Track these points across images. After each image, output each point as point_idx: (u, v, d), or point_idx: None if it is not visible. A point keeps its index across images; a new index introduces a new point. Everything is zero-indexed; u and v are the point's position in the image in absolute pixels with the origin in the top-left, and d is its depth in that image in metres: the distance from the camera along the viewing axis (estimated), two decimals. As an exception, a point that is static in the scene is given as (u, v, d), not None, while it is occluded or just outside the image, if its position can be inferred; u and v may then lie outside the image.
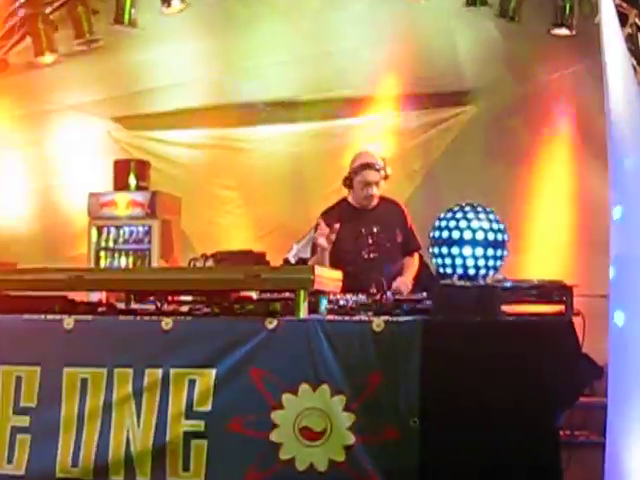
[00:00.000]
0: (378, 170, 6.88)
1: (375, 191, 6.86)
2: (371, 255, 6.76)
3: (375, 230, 6.78)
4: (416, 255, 6.92)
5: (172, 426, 5.00)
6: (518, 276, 5.85)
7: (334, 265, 6.36)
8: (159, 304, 5.81)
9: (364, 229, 6.81)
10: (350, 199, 7.05)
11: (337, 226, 6.36)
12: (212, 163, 11.37)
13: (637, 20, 10.09)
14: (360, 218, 6.90)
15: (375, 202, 6.91)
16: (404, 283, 6.35)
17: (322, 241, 6.42)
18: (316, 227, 6.68)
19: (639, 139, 5.23)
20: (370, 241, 6.76)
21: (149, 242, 10.11)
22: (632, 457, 4.77)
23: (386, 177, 6.96)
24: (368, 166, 6.88)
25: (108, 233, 10.23)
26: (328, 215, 6.89)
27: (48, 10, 11.48)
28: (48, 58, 11.49)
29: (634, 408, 4.84)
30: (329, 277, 5.43)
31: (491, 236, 5.10)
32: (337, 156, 10.63)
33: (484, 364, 4.79)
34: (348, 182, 7.01)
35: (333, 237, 6.40)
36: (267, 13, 11.06)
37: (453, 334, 4.93)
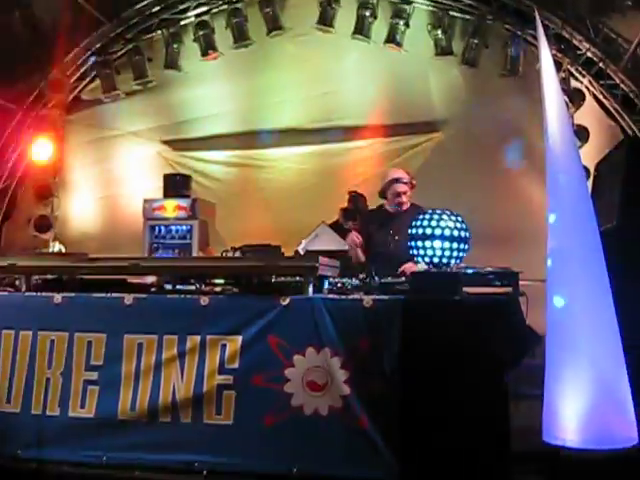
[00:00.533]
0: (405, 183, 6.97)
1: (404, 199, 6.96)
2: (391, 246, 6.80)
3: (401, 229, 6.79)
4: None
5: (208, 380, 5.01)
6: (477, 264, 5.83)
7: (371, 251, 6.87)
8: (198, 285, 5.82)
9: (392, 229, 6.85)
10: (386, 206, 7.15)
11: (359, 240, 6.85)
12: (239, 177, 11.35)
13: (568, 67, 10.08)
14: (392, 221, 6.97)
15: (405, 207, 6.97)
16: (409, 267, 6.36)
17: (351, 242, 6.78)
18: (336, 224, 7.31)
19: (570, 159, 5.24)
20: (396, 237, 6.77)
21: (190, 238, 10.09)
22: (565, 405, 4.78)
23: (412, 187, 7.04)
24: (397, 180, 6.98)
25: (159, 231, 10.20)
26: (369, 216, 7.45)
27: (112, 58, 11.53)
28: (113, 95, 11.56)
29: (566, 367, 4.85)
30: (330, 265, 5.43)
31: (455, 233, 5.10)
32: (335, 172, 10.76)
33: (450, 333, 4.80)
34: (382, 193, 7.14)
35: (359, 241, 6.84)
36: (281, 62, 11.22)
37: (425, 309, 4.94)
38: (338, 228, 8.00)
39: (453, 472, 4.59)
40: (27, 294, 5.63)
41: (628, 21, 9.30)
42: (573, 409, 4.75)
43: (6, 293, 5.73)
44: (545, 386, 4.98)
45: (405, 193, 6.97)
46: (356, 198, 8.12)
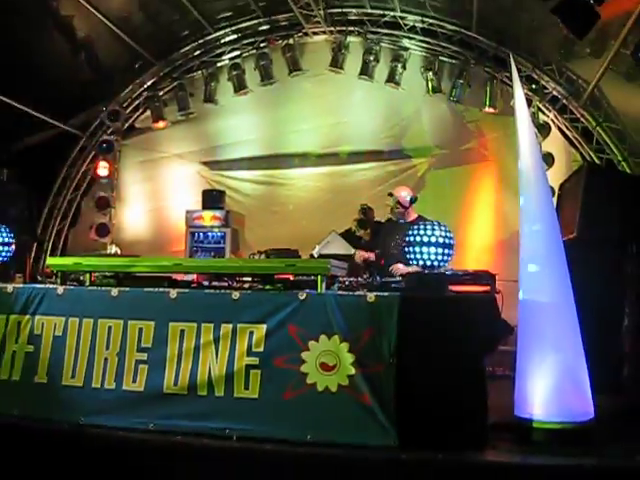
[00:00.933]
0: (392, 196, 7.03)
1: (402, 210, 6.96)
2: (393, 251, 6.77)
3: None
4: None
5: (238, 361, 4.98)
6: (460, 267, 5.82)
7: (382, 254, 6.91)
8: (230, 282, 5.82)
9: (397, 236, 6.77)
10: (394, 218, 7.14)
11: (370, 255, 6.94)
12: (264, 193, 11.34)
13: (537, 103, 10.07)
14: (397, 229, 6.92)
15: (411, 218, 6.94)
16: (397, 267, 6.35)
17: (359, 258, 6.89)
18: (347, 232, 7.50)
19: (538, 181, 5.23)
20: (399, 242, 6.68)
21: (224, 243, 10.11)
22: (533, 385, 4.77)
23: (413, 202, 6.99)
24: (390, 195, 7.06)
25: (198, 237, 10.22)
26: (381, 226, 7.49)
27: (161, 93, 11.59)
28: (161, 124, 11.64)
29: (534, 353, 4.85)
30: (339, 267, 5.43)
31: (441, 240, 5.08)
32: (343, 189, 10.77)
33: (437, 324, 4.79)
34: (392, 209, 7.13)
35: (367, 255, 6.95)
36: (300, 97, 11.27)
37: (418, 304, 4.92)
38: (349, 236, 8.02)
39: (441, 438, 4.56)
40: (90, 288, 5.64)
41: (587, 65, 9.28)
42: (540, 388, 4.76)
43: (72, 287, 5.74)
44: (516, 369, 4.98)
45: (396, 208, 6.99)
46: (366, 210, 8.12)
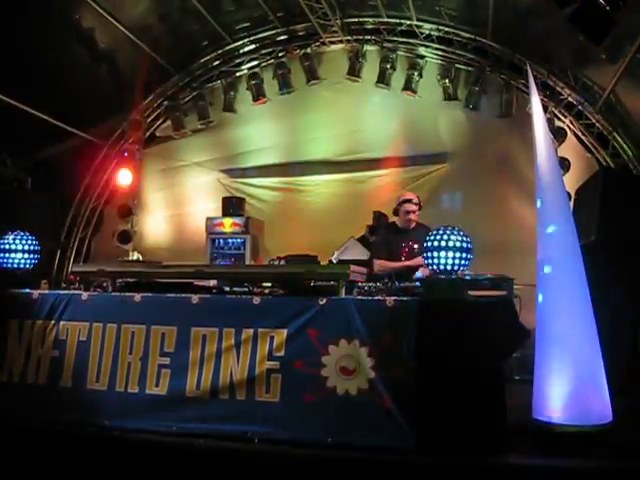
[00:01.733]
0: (415, 203, 6.94)
1: (412, 217, 6.93)
2: (402, 258, 6.78)
3: (410, 243, 6.84)
4: None
5: (259, 365, 5.01)
6: (479, 271, 5.81)
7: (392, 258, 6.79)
8: (251, 288, 5.83)
9: (404, 243, 6.85)
10: (397, 222, 7.12)
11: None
12: (283, 200, 11.35)
13: (553, 109, 10.04)
14: (403, 235, 6.95)
15: (413, 225, 6.94)
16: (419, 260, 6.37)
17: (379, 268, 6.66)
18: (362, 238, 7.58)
19: (556, 185, 5.22)
20: (407, 249, 6.80)
21: (244, 249, 10.12)
22: (551, 388, 4.75)
23: (420, 208, 6.99)
24: (408, 201, 6.96)
25: (218, 243, 10.25)
26: (385, 229, 7.38)
27: (181, 103, 11.67)
28: (181, 132, 11.67)
29: (552, 357, 4.83)
30: (359, 272, 5.43)
31: (459, 245, 5.05)
32: (361, 196, 10.72)
33: (456, 328, 4.77)
34: (395, 211, 7.12)
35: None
36: (317, 105, 11.26)
37: (437, 308, 4.91)
38: (364, 241, 8.03)
39: (460, 442, 4.56)
40: (113, 294, 5.68)
41: (602, 71, 9.24)
42: (558, 391, 4.74)
43: (96, 293, 5.78)
44: (535, 372, 4.96)
45: (414, 212, 6.94)
46: (379, 217, 8.12)
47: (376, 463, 4.58)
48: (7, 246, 6.10)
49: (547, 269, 5.04)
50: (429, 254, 5.08)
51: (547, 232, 5.11)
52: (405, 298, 5.03)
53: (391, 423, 4.69)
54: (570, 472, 4.39)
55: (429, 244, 5.09)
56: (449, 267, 5.04)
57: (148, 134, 12.03)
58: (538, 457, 4.64)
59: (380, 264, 6.71)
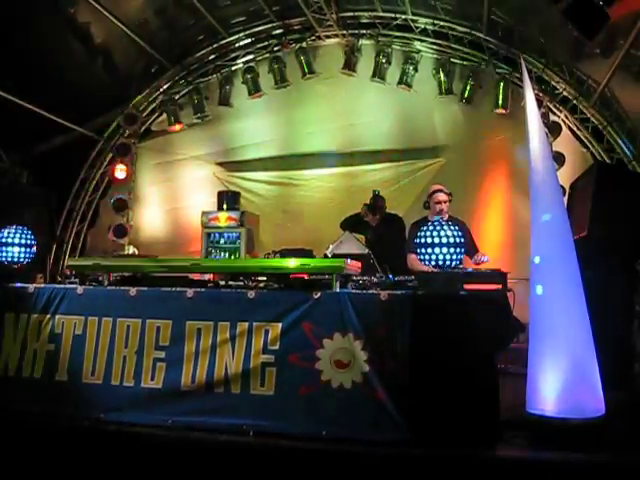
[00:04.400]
0: (445, 193, 6.83)
1: (443, 207, 6.77)
2: None
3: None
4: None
5: (253, 358, 5.03)
6: (472, 265, 5.83)
7: None
8: (246, 282, 5.84)
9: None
10: (429, 217, 6.83)
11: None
12: (279, 193, 11.38)
13: (548, 103, 10.05)
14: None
15: (446, 217, 6.62)
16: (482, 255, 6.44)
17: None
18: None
19: (549, 179, 5.23)
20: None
21: (239, 243, 10.09)
22: (544, 381, 4.77)
23: (450, 200, 6.85)
24: (438, 190, 6.86)
25: (214, 237, 10.21)
26: (417, 225, 6.72)
27: (176, 97, 11.65)
28: (177, 127, 11.70)
29: (545, 350, 4.84)
30: (353, 266, 5.44)
31: (452, 240, 5.05)
32: (357, 190, 10.65)
33: (450, 321, 4.80)
34: (427, 204, 6.96)
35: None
36: (313, 99, 11.28)
37: (431, 303, 4.93)
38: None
39: (453, 435, 4.58)
40: (108, 288, 5.69)
41: (597, 66, 9.26)
42: (551, 385, 4.75)
43: (91, 287, 5.79)
44: (528, 366, 4.97)
45: (445, 202, 6.79)
46: (377, 197, 8.03)
47: (370, 456, 4.60)
48: (3, 240, 6.11)
49: (539, 261, 5.05)
50: (424, 250, 5.08)
51: (540, 225, 5.12)
52: (399, 292, 5.05)
53: (385, 416, 4.72)
54: (562, 465, 4.42)
55: (421, 240, 5.10)
56: (443, 262, 5.05)
57: (144, 128, 12.02)
58: (530, 450, 4.67)
59: (413, 260, 6.35)
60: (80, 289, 5.61)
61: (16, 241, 6.14)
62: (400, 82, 10.63)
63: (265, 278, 5.79)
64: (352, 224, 7.82)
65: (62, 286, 5.81)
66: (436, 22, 10.60)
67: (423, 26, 10.71)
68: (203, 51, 11.66)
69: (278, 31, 11.38)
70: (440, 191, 6.87)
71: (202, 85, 11.72)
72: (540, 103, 9.47)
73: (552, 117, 10.11)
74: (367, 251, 6.51)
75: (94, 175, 11.99)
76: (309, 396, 4.90)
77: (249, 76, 11.30)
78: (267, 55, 11.39)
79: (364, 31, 10.99)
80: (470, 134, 10.57)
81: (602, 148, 9.94)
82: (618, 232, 6.57)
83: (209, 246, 10.21)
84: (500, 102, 10.23)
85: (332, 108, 11.17)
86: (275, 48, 11.35)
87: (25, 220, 6.51)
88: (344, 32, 10.92)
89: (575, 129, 10.16)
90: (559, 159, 9.55)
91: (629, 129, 9.71)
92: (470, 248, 6.44)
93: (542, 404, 4.77)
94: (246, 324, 5.11)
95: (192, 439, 4.90)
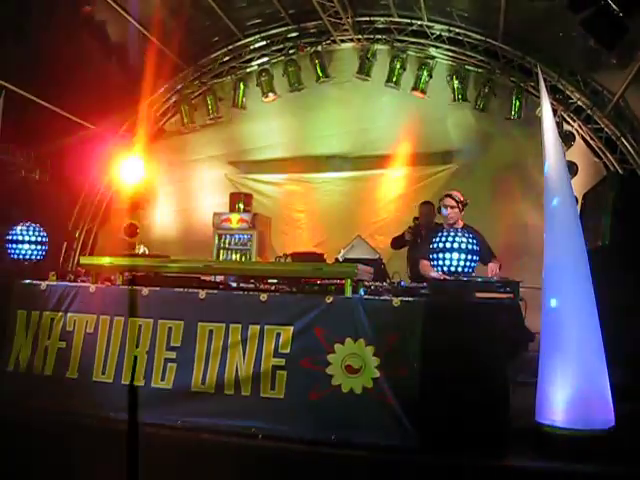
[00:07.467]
0: (452, 198, 6.63)
1: (449, 213, 6.60)
2: None
3: None
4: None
5: (264, 361, 5.05)
6: (485, 274, 5.82)
7: None
8: (257, 284, 5.85)
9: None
10: (444, 224, 6.70)
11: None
12: (291, 196, 11.42)
13: (562, 113, 10.03)
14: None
15: (459, 225, 6.54)
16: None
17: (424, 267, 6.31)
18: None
19: (564, 187, 5.22)
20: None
21: (250, 245, 10.13)
22: (554, 392, 4.76)
23: (460, 207, 6.66)
24: (447, 195, 6.70)
25: (225, 239, 10.26)
26: (432, 231, 6.61)
27: (190, 97, 11.67)
28: (190, 127, 11.69)
29: (556, 360, 4.83)
30: (366, 271, 5.44)
31: (464, 246, 5.05)
32: (368, 194, 10.79)
33: (462, 329, 4.78)
34: (439, 209, 6.82)
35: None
36: (327, 103, 11.33)
37: (443, 310, 4.94)
38: (401, 238, 8.00)
39: (461, 442, 4.57)
40: (120, 287, 5.70)
41: (612, 76, 9.26)
42: (561, 395, 4.74)
43: (103, 286, 5.81)
44: (539, 375, 4.96)
45: (451, 207, 6.60)
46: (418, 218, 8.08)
47: (379, 461, 4.60)
48: (15, 237, 6.14)
49: (554, 273, 5.03)
50: (437, 256, 5.08)
51: (554, 235, 5.11)
52: (411, 299, 5.05)
53: (394, 422, 4.73)
54: (570, 476, 4.41)
55: (435, 246, 5.10)
56: (455, 269, 5.05)
57: (157, 128, 12.08)
58: (539, 460, 4.66)
59: (425, 265, 6.08)
60: (92, 287, 5.64)
61: (28, 238, 6.18)
62: (414, 88, 10.66)
63: (275, 281, 5.81)
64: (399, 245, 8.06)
65: (74, 284, 5.84)
66: (452, 29, 10.60)
67: (438, 32, 10.71)
68: (218, 52, 11.70)
69: (293, 34, 11.41)
70: (448, 196, 6.74)
71: (216, 86, 11.77)
72: (554, 112, 9.45)
73: (566, 126, 10.09)
74: (378, 256, 6.53)
75: (107, 174, 11.96)
76: (319, 400, 4.90)
77: (263, 78, 11.36)
78: (282, 58, 11.43)
79: (379, 36, 10.99)
80: (483, 141, 10.58)
81: (615, 158, 9.91)
82: (633, 241, 6.56)
83: (220, 247, 10.24)
84: (514, 110, 10.22)
85: (345, 112, 11.21)
86: (290, 51, 11.39)
87: (37, 217, 6.52)
88: (359, 37, 10.95)
89: (589, 139, 10.14)
90: (572, 168, 9.52)
91: (643, 140, 9.69)
92: (486, 257, 6.35)
93: (552, 415, 4.76)
94: (258, 327, 5.12)
95: (201, 440, 4.91)
